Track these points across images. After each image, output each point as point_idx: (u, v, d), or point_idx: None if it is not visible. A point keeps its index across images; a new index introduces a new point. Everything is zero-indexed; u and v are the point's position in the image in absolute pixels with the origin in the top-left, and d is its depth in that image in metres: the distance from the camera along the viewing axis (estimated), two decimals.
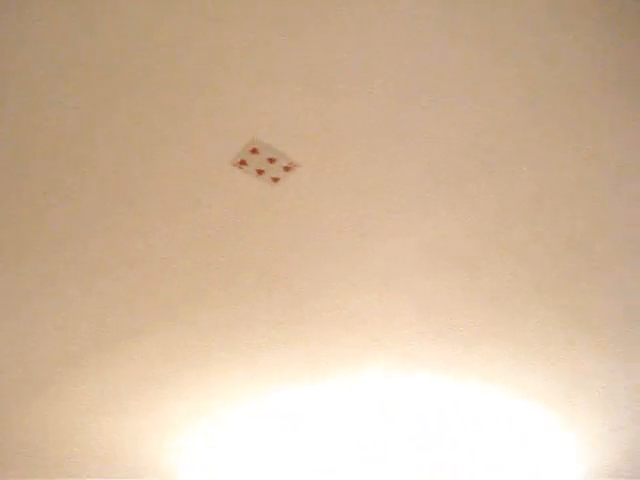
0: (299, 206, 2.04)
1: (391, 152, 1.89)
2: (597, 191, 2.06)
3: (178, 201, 1.99)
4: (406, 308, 2.57)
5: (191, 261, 2.25)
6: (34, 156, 1.82)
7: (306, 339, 2.74)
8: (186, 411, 3.17)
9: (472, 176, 1.99)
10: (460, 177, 1.99)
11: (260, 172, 1.89)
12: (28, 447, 3.22)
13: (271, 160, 1.86)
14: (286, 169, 1.89)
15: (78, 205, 1.98)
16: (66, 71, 1.60)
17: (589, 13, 1.57)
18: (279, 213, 2.06)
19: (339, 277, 2.40)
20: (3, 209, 1.98)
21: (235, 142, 1.81)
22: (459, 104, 1.76)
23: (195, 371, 2.91)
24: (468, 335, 2.71)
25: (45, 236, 2.10)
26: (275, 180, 1.92)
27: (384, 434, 3.44)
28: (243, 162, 1.86)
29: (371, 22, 1.55)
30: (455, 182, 2.01)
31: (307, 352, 2.82)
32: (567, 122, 1.83)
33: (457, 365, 2.86)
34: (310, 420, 3.30)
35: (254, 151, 1.83)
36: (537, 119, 1.82)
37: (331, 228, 2.16)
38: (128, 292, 2.38)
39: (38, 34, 1.51)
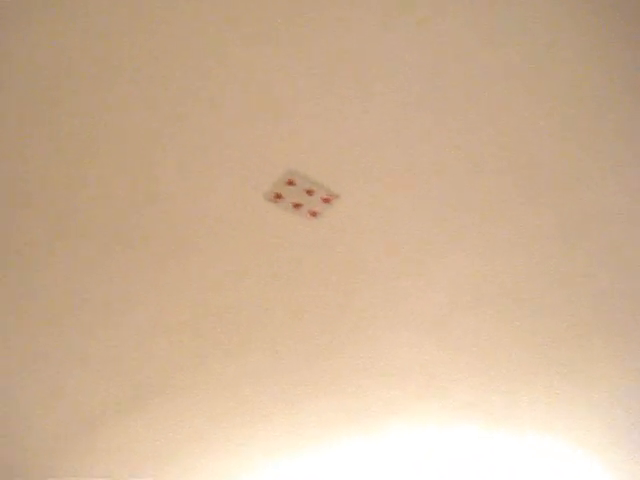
0: (339, 243, 1.86)
1: (433, 184, 1.72)
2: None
3: (206, 241, 1.81)
4: (450, 355, 2.35)
5: (216, 307, 2.06)
6: (40, 191, 1.67)
7: (340, 391, 2.52)
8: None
9: (517, 208, 1.81)
10: (506, 212, 1.82)
11: (297, 206, 1.72)
12: None
13: (309, 192, 1.68)
14: (325, 201, 1.71)
15: (102, 248, 1.82)
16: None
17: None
18: (316, 251, 1.88)
19: (379, 322, 2.20)
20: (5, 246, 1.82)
21: (269, 174, 1.65)
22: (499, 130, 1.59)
23: (215, 432, 2.69)
24: (517, 381, 2.48)
25: (52, 276, 1.92)
26: (313, 214, 1.75)
27: None
28: (278, 196, 1.69)
29: (406, 45, 1.40)
30: (503, 219, 1.83)
31: (339, 406, 2.59)
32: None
33: (507, 414, 2.62)
34: None
35: (290, 183, 1.66)
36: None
37: (369, 268, 1.97)
38: (139, 346, 2.20)
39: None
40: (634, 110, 1.57)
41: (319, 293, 2.04)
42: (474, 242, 1.91)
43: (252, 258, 1.87)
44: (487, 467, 3.05)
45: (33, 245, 1.79)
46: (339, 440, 2.79)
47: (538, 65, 1.46)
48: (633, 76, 1.49)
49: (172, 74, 1.41)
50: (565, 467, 3.03)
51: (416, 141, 1.60)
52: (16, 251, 1.81)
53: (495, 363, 2.40)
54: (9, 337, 2.12)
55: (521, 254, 1.96)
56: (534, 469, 3.06)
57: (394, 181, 1.70)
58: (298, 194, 1.68)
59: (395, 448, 2.89)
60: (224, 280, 1.95)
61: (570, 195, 1.78)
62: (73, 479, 2.79)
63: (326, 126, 1.54)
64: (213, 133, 1.54)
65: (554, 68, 1.47)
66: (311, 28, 1.35)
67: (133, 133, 1.52)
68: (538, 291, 2.09)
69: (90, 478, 2.82)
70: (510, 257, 1.96)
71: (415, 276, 2.02)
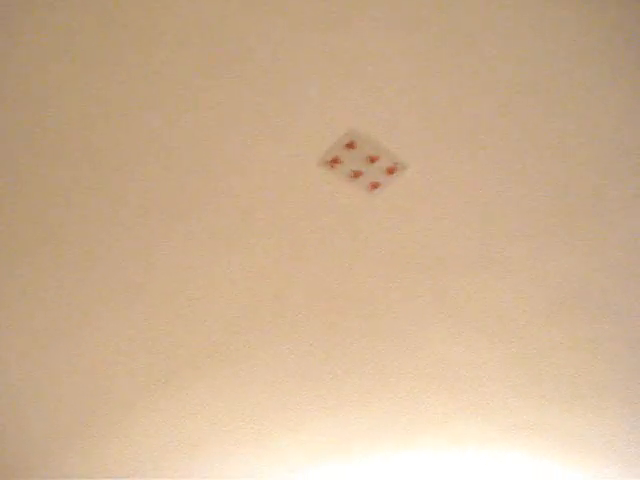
0: (399, 224, 1.60)
1: (513, 166, 1.46)
2: None
3: (249, 209, 1.56)
4: (510, 363, 2.06)
5: (254, 286, 1.80)
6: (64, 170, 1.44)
7: (385, 396, 2.24)
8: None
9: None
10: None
11: (356, 174, 1.46)
12: None
13: (372, 159, 1.43)
14: (389, 171, 1.45)
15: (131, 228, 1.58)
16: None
17: None
18: (370, 233, 1.62)
19: (434, 323, 1.93)
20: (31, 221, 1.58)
21: (326, 135, 1.39)
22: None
23: (241, 430, 2.43)
24: (591, 396, 2.18)
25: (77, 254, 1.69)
26: (375, 186, 1.48)
27: None
28: (336, 160, 1.43)
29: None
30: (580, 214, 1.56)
31: (385, 412, 2.32)
32: None
33: (579, 434, 2.32)
34: None
35: (351, 146, 1.40)
36: None
37: (431, 257, 1.70)
38: (167, 327, 1.95)
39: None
40: None
41: (367, 283, 1.78)
42: (561, 239, 1.64)
43: (297, 238, 1.62)
44: None
45: (49, 222, 1.56)
46: (375, 453, 2.52)
47: None
48: None
49: (223, 34, 1.17)
50: None
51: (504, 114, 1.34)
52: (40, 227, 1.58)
53: (566, 381, 2.12)
54: (18, 323, 1.90)
55: (599, 255, 1.68)
56: None
57: (476, 158, 1.43)
58: (359, 160, 1.42)
59: (434, 465, 2.61)
60: (265, 262, 1.70)
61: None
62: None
63: (399, 83, 1.29)
64: (265, 83, 1.29)
65: None
66: None
67: (174, 102, 1.28)
68: (619, 302, 1.82)
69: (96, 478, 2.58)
70: (589, 258, 1.70)
71: (483, 272, 1.75)
